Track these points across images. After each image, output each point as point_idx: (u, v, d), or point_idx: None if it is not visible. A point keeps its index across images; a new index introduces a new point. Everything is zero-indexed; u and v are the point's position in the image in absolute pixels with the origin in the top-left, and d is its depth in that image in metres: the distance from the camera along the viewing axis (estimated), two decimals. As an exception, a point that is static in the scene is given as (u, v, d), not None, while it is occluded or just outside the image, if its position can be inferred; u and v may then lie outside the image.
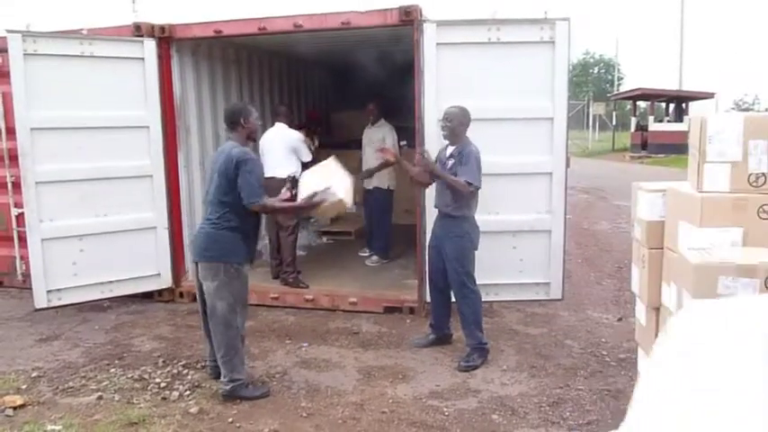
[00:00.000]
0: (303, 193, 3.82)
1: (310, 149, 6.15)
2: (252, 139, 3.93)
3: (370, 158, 6.86)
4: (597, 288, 6.46)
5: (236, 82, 7.17)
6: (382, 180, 6.83)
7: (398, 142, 6.94)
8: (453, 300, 4.55)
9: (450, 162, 4.31)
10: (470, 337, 4.36)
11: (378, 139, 6.76)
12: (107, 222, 5.45)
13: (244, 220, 3.69)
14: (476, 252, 4.37)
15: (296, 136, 6.03)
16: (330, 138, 9.28)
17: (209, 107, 6.52)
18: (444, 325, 4.70)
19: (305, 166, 5.55)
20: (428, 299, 4.92)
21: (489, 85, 4.94)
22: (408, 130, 7.52)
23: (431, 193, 4.78)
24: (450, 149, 4.38)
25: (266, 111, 7.80)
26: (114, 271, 5.50)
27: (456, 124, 4.30)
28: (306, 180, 3.94)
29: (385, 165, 6.71)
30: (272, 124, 6.25)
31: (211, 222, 3.66)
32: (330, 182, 3.78)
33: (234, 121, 3.78)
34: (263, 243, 6.89)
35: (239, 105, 4.11)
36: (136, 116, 5.53)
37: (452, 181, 4.19)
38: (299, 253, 6.74)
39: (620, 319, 5.35)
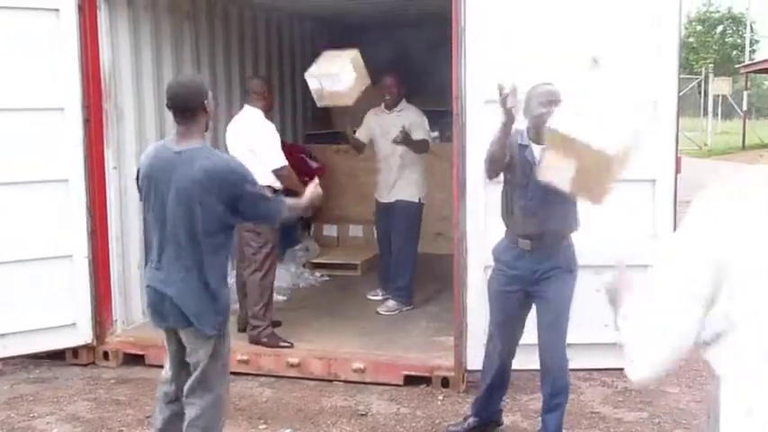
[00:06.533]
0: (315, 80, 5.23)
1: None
2: (207, 128, 3.84)
3: (385, 157, 6.85)
4: (722, 352, 6.35)
5: (192, 46, 7.24)
6: (412, 190, 6.79)
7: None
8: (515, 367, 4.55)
9: None
10: (562, 406, 4.38)
11: (399, 131, 6.73)
12: None
13: (226, 260, 3.80)
14: None
15: (264, 130, 5.87)
16: (320, 125, 9.32)
17: (151, 82, 6.57)
18: (497, 403, 4.69)
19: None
20: (471, 365, 4.89)
21: (556, 46, 4.92)
22: (435, 116, 7.55)
23: (472, 207, 4.73)
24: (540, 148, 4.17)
25: (234, 88, 7.87)
26: (9, 319, 5.51)
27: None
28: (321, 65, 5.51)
29: (420, 146, 6.71)
30: (241, 107, 6.25)
31: (189, 272, 3.61)
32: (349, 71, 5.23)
33: (195, 104, 3.61)
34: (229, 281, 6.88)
35: (197, 80, 4.01)
36: (44, 94, 5.59)
37: None
38: (278, 297, 6.72)
39: (757, 399, 5.27)
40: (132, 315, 6.19)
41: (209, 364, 3.69)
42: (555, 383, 4.34)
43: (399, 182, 6.79)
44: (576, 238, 4.89)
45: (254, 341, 5.85)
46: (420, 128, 6.71)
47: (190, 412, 3.70)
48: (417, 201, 6.80)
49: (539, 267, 4.29)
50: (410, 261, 6.88)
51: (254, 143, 5.74)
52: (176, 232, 3.58)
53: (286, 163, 5.80)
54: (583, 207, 4.89)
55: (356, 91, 5.85)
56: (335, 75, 5.79)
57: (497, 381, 4.59)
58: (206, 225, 3.56)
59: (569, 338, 4.98)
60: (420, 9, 7.88)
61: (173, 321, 3.70)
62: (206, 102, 3.64)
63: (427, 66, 7.85)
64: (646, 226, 5.07)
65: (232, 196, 3.55)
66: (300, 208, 4.11)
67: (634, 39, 4.94)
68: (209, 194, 3.52)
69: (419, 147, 6.66)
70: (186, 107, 3.59)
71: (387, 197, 6.89)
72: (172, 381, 3.86)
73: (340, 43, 10.58)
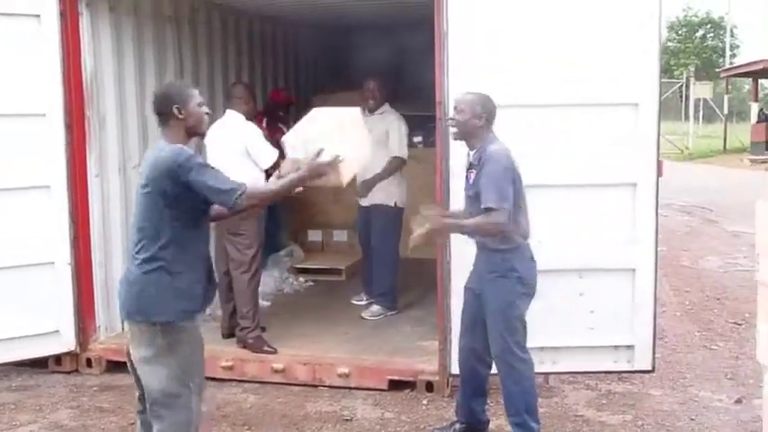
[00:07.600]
0: (295, 148, 3.84)
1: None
2: (196, 134, 3.81)
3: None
4: (705, 354, 6.41)
5: (175, 52, 7.21)
6: (387, 193, 6.84)
7: (409, 138, 6.96)
8: (494, 371, 4.53)
9: (473, 175, 4.35)
10: (521, 427, 4.35)
11: (379, 134, 6.77)
12: (-21, 256, 5.45)
13: (184, 254, 3.62)
14: (529, 300, 4.38)
15: (250, 129, 6.03)
16: None
17: (133, 89, 6.54)
18: (479, 409, 4.67)
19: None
20: (455, 369, 4.89)
21: (540, 49, 4.95)
22: (420, 121, 7.57)
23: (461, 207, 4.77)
24: (472, 155, 4.43)
25: (217, 94, 7.85)
26: (-10, 327, 5.47)
27: (468, 117, 4.32)
28: (306, 129, 3.98)
29: (393, 168, 6.72)
30: (223, 113, 6.26)
31: (137, 262, 3.60)
32: (343, 147, 3.76)
33: (163, 111, 3.67)
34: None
35: (171, 87, 4.01)
36: (26, 99, 5.56)
37: (475, 228, 4.29)
38: (263, 303, 6.71)
39: (738, 401, 5.31)
40: (115, 322, 6.13)
41: (147, 367, 3.60)
42: (503, 389, 4.40)
43: (377, 187, 6.80)
44: (556, 240, 4.94)
45: (241, 341, 5.89)
46: (396, 133, 6.75)
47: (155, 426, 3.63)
48: (393, 204, 6.82)
49: (483, 268, 4.41)
50: (391, 265, 6.89)
51: (245, 144, 5.89)
52: (133, 222, 3.68)
53: (276, 153, 5.89)
54: (561, 211, 4.97)
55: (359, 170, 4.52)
56: (338, 158, 3.80)
57: (470, 383, 4.60)
58: (148, 213, 3.56)
59: (552, 342, 5.03)
60: (406, 15, 7.86)
61: (120, 309, 3.75)
62: (175, 107, 3.62)
63: (412, 70, 7.86)
64: (627, 230, 5.08)
65: (174, 182, 3.50)
66: (298, 180, 3.72)
67: (616, 41, 4.95)
68: (154, 183, 3.53)
69: (392, 170, 6.76)
70: (157, 112, 3.73)
71: (365, 200, 6.93)
72: (136, 386, 3.80)
73: (323, 48, 10.66)
